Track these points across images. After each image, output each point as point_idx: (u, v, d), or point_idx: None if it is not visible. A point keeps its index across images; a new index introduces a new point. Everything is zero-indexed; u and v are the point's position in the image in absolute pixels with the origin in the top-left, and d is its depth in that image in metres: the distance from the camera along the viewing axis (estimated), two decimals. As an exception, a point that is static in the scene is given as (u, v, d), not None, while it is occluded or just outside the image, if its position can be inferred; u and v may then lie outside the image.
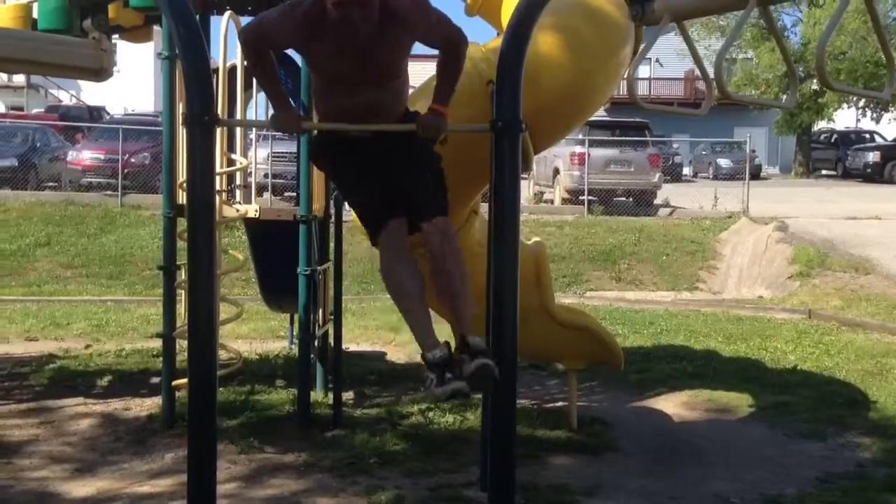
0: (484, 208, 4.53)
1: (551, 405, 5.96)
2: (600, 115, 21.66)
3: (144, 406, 5.70)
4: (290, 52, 6.05)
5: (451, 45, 3.18)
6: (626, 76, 4.80)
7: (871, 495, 4.35)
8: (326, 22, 2.96)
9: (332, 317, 5.52)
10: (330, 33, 2.98)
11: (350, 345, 7.27)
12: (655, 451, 5.13)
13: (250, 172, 5.94)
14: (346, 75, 3.09)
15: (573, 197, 17.96)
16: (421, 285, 3.19)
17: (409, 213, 3.19)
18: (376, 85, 3.14)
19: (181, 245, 4.07)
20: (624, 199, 18.24)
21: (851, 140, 32.55)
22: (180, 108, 4.98)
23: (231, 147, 5.54)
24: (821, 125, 33.86)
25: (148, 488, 4.33)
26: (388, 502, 4.14)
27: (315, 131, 3.55)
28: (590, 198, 17.16)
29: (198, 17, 3.52)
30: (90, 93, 33.30)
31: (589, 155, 17.61)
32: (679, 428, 5.64)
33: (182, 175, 5.01)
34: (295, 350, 6.11)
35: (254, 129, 6.47)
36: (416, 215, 3.18)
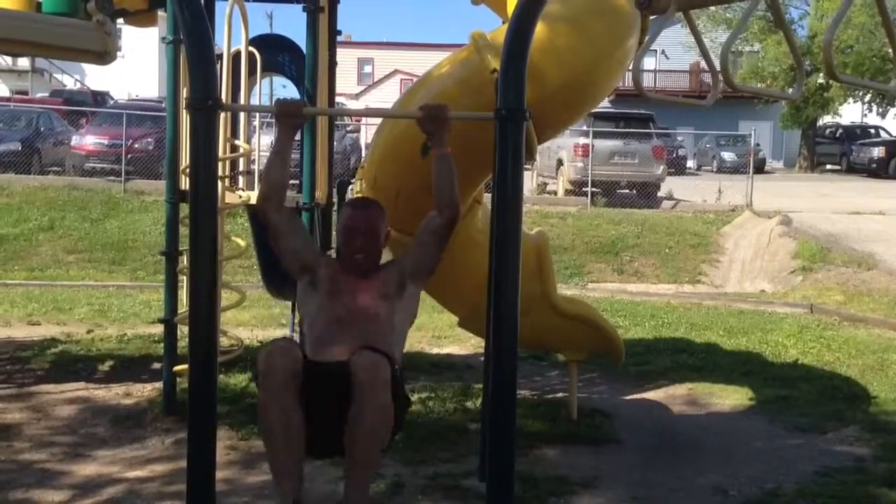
0: (487, 198, 4.52)
1: (551, 396, 5.96)
2: (605, 106, 21.62)
3: (145, 391, 5.70)
4: (292, 40, 6.03)
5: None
6: (630, 67, 4.78)
7: (870, 490, 4.35)
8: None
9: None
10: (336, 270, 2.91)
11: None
12: (655, 444, 5.13)
13: (253, 159, 5.92)
14: (331, 319, 2.92)
15: (576, 188, 17.94)
16: (293, 435, 2.91)
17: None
18: (356, 334, 2.91)
19: (184, 231, 4.06)
20: (627, 191, 18.22)
21: (856, 135, 32.47)
22: (184, 93, 4.97)
23: (234, 133, 5.53)
24: (826, 119, 33.77)
25: (147, 472, 4.34)
26: (387, 490, 4.15)
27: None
28: (593, 189, 17.14)
29: (202, 1, 3.50)
30: (94, 78, 33.29)
31: (593, 146, 17.58)
32: (679, 420, 5.64)
33: (185, 161, 5.00)
34: (296, 337, 6.11)
35: (257, 115, 6.45)
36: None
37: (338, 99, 7.76)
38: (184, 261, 5.27)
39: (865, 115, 35.68)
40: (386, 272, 2.90)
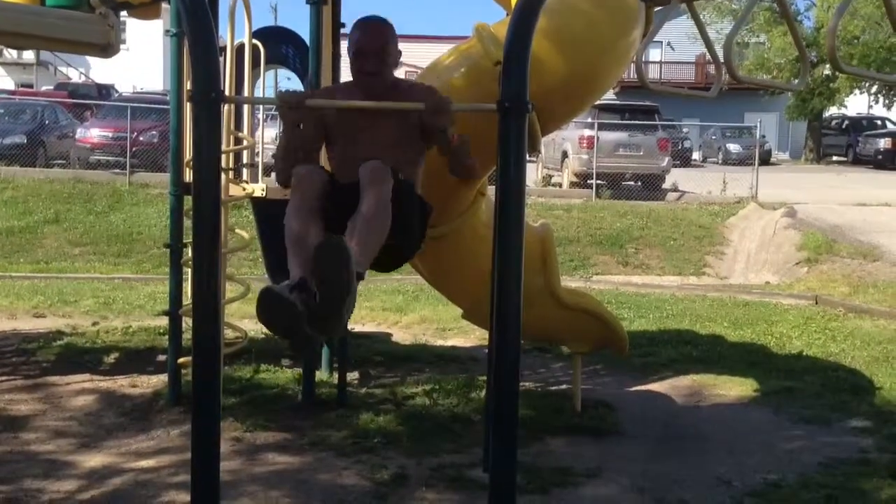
0: (491, 190, 4.52)
1: (555, 388, 5.97)
2: (609, 98, 21.57)
3: (150, 383, 5.73)
4: (294, 33, 6.03)
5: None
6: (634, 59, 4.76)
7: (874, 481, 4.35)
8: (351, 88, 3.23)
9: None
10: (350, 96, 3.20)
11: (356, 325, 7.28)
12: (659, 435, 5.13)
13: (257, 152, 5.93)
14: (353, 135, 3.18)
15: (581, 180, 17.92)
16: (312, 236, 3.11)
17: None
18: (377, 149, 3.16)
19: (188, 223, 4.07)
20: (632, 183, 18.20)
21: (863, 126, 32.36)
22: (188, 85, 4.97)
23: (238, 126, 5.54)
24: (832, 111, 33.66)
25: (152, 464, 4.36)
26: (391, 481, 4.17)
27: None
28: (598, 181, 17.12)
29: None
30: (99, 71, 33.32)
31: (598, 138, 17.54)
32: (683, 412, 5.64)
33: (189, 153, 5.01)
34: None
35: (261, 108, 6.46)
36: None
37: (342, 91, 7.75)
38: (188, 253, 5.29)
39: (871, 106, 35.53)
40: (406, 97, 3.23)
